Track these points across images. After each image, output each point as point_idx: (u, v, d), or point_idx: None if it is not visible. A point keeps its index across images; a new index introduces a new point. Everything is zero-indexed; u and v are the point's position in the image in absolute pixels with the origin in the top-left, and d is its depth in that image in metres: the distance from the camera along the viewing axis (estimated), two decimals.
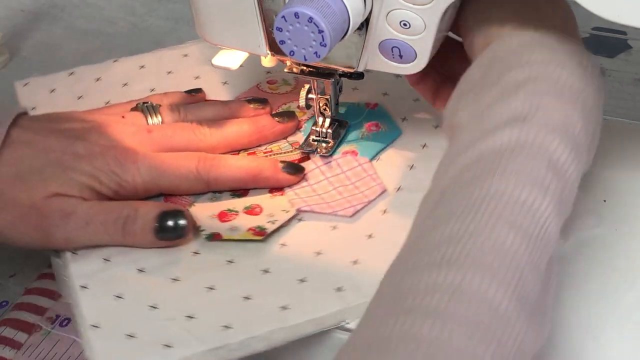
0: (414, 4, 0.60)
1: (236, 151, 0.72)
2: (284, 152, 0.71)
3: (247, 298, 0.60)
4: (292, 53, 0.59)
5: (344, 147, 0.71)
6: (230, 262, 0.63)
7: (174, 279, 0.61)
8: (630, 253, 0.62)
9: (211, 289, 0.61)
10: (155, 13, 1.02)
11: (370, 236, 0.65)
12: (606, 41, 0.93)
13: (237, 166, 0.68)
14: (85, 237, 0.64)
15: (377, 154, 0.71)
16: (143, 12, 1.02)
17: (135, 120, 0.71)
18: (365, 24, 0.62)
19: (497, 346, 0.45)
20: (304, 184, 0.68)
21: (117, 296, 0.60)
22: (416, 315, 0.45)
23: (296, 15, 0.57)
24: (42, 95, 0.79)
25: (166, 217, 0.64)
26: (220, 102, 0.75)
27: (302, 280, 0.62)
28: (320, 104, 0.70)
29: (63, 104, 0.77)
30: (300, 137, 0.73)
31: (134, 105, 0.72)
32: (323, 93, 0.69)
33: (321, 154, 0.70)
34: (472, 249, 0.47)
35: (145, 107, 0.71)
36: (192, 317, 0.59)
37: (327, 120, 0.70)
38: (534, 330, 0.47)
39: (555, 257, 0.51)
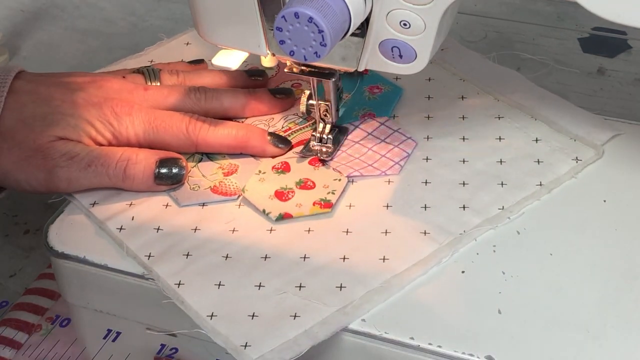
0: (414, 4, 0.60)
1: (240, 119, 0.73)
2: (301, 128, 0.72)
3: (344, 258, 0.61)
4: (292, 53, 0.59)
5: (358, 112, 0.73)
6: (309, 230, 0.64)
7: (264, 257, 0.62)
8: (630, 253, 0.62)
9: (305, 257, 0.62)
10: (155, 13, 1.02)
11: (426, 182, 0.67)
12: (606, 41, 0.93)
13: (226, 132, 0.69)
14: (86, 179, 0.66)
15: (391, 111, 0.73)
16: (143, 12, 1.02)
17: (135, 80, 0.73)
18: (365, 24, 0.62)
19: None
20: (338, 151, 0.70)
21: (218, 284, 0.61)
22: None
23: (296, 15, 0.57)
24: None
25: (165, 164, 0.67)
26: (219, 71, 0.76)
27: (386, 232, 0.63)
28: (321, 110, 0.70)
29: None
30: None
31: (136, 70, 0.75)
32: (324, 99, 0.69)
33: (321, 158, 0.70)
34: None
35: (146, 70, 0.74)
36: (302, 286, 0.60)
37: (328, 126, 0.70)
38: None
39: None
